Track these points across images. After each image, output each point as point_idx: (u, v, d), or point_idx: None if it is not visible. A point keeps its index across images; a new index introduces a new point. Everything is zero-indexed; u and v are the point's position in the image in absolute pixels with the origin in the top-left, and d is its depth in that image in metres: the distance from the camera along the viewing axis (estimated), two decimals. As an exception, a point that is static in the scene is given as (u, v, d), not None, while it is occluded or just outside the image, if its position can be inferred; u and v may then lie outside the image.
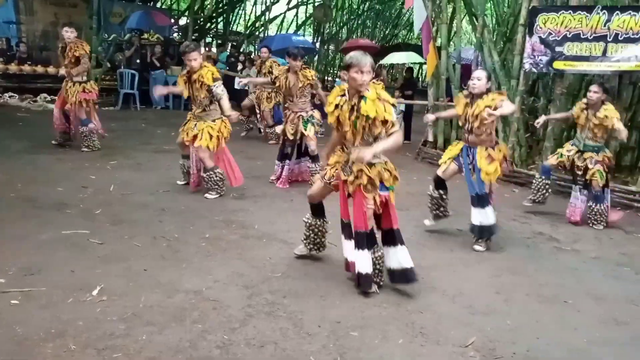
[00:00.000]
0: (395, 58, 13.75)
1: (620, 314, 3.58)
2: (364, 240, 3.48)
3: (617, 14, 6.40)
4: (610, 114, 5.24)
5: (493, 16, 13.06)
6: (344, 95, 3.47)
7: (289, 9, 19.54)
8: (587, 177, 5.43)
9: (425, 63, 9.73)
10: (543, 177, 5.77)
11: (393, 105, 3.43)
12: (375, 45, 16.65)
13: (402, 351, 2.92)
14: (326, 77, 17.69)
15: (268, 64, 8.80)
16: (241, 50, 16.26)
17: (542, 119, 5.98)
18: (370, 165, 3.44)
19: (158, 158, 7.12)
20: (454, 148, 4.83)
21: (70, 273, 3.49)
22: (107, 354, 2.64)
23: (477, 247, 4.58)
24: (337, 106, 3.47)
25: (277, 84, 6.13)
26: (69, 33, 6.80)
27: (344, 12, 20.36)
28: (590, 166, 5.38)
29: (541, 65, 7.06)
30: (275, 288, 3.54)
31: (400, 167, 7.34)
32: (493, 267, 4.24)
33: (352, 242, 3.57)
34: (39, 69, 11.32)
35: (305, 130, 6.05)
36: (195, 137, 5.34)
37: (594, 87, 5.41)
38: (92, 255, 3.82)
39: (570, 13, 6.73)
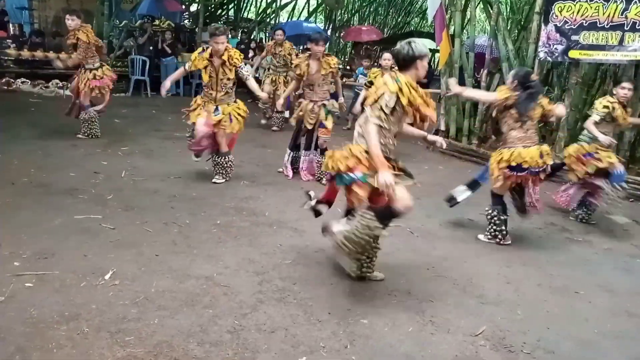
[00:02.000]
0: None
1: (632, 306, 3.56)
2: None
3: (635, 2, 6.28)
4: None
5: (508, 4, 12.88)
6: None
7: (300, -4, 19.41)
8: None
9: (437, 51, 9.64)
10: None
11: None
12: (378, 32, 16.53)
13: (412, 339, 2.92)
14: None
15: (287, 46, 8.70)
16: (252, 37, 16.19)
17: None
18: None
19: (169, 145, 7.14)
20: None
21: (83, 257, 3.53)
22: (119, 337, 2.68)
23: (480, 236, 4.60)
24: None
25: (298, 72, 5.81)
26: (69, 21, 6.66)
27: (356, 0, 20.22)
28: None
29: (556, 54, 6.96)
30: (285, 275, 3.55)
31: (411, 156, 7.38)
32: (504, 258, 4.23)
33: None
34: (51, 54, 11.34)
35: (326, 120, 5.83)
36: (219, 121, 5.32)
37: (627, 84, 5.24)
38: (105, 240, 3.86)
39: (587, 1, 6.62)
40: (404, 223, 4.45)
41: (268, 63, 10.26)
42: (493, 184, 4.49)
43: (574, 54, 6.81)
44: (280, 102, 6.41)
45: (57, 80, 11.00)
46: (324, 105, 5.85)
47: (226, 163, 5.50)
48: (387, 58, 7.11)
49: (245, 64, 5.39)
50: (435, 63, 16.74)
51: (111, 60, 11.79)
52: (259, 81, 8.76)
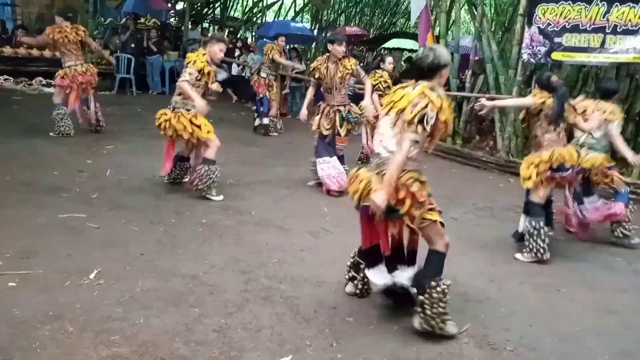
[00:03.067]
0: (401, 43, 13.83)
1: (612, 302, 3.63)
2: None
3: (617, 5, 6.39)
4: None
5: (492, 6, 13.00)
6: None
7: (287, -5, 19.41)
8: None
9: (422, 52, 9.71)
10: None
11: None
12: (364, 33, 16.60)
13: (397, 337, 2.95)
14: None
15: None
16: (238, 36, 16.14)
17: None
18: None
19: (154, 143, 7.06)
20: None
21: (67, 256, 3.50)
22: (104, 336, 2.66)
23: (518, 255, 4.31)
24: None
25: (317, 76, 5.50)
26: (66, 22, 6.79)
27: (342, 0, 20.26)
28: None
29: (539, 56, 7.05)
30: (271, 274, 3.56)
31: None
32: (488, 256, 4.28)
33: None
34: (35, 52, 11.22)
35: (341, 127, 5.48)
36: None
37: None
38: (89, 239, 3.83)
39: (569, 4, 6.71)
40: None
41: (254, 62, 10.25)
42: (533, 193, 4.25)
43: (556, 55, 6.91)
44: (303, 112, 5.68)
45: (40, 78, 10.88)
46: (339, 110, 5.53)
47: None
48: (390, 62, 7.15)
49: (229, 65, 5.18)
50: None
51: (95, 58, 11.68)
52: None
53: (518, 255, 4.28)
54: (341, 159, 5.60)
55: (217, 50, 4.91)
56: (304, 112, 5.66)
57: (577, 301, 3.62)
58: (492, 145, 8.43)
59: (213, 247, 3.92)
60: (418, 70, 2.98)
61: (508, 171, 7.20)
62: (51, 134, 6.83)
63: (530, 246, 4.18)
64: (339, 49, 5.37)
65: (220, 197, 4.98)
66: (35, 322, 2.72)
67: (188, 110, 4.85)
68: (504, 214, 5.46)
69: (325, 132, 5.54)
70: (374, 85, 7.06)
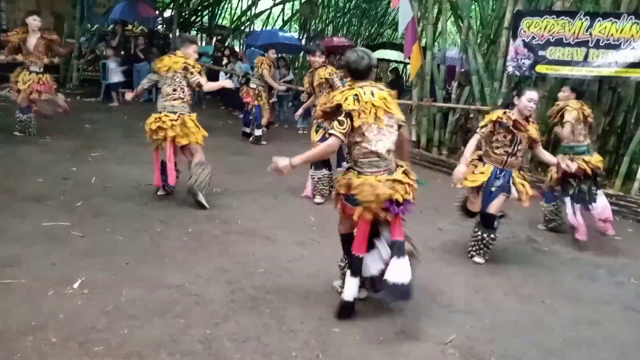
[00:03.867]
0: (387, 54, 13.99)
1: (596, 314, 3.68)
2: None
3: (599, 20, 6.53)
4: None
5: (478, 18, 13.18)
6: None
7: (275, 5, 19.43)
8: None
9: (408, 63, 9.81)
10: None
11: None
12: (351, 43, 16.72)
13: (383, 348, 2.96)
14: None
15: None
16: (226, 44, 16.14)
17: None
18: None
19: (141, 151, 7.03)
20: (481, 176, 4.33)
21: (50, 265, 3.46)
22: (88, 347, 2.64)
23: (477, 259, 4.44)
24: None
25: (306, 86, 5.95)
26: (37, 22, 6.76)
27: (330, 10, 20.37)
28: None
29: (524, 69, 7.16)
30: (258, 284, 3.55)
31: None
32: (473, 267, 4.31)
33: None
34: (19, 57, 11.10)
35: (316, 134, 5.55)
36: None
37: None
38: (73, 247, 3.79)
39: (553, 18, 6.84)
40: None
41: (241, 70, 10.25)
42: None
43: (541, 68, 7.02)
44: (299, 112, 6.57)
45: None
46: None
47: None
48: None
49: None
50: (407, 75, 16.99)
51: (82, 64, 11.63)
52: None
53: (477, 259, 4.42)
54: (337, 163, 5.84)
55: (192, 51, 5.06)
56: (300, 112, 6.48)
57: (561, 313, 3.65)
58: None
59: (199, 256, 3.90)
60: (359, 72, 3.13)
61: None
62: (16, 133, 6.96)
63: (482, 252, 4.39)
64: (313, 58, 5.68)
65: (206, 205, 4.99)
66: (17, 333, 2.69)
67: (190, 113, 5.01)
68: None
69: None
70: None
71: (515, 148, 4.26)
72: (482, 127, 4.35)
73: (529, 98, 4.20)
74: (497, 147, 4.29)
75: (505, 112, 4.26)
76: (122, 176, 5.74)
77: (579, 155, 5.13)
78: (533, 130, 4.29)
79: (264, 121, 8.79)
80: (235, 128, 9.65)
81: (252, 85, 8.65)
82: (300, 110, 6.56)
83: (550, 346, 3.18)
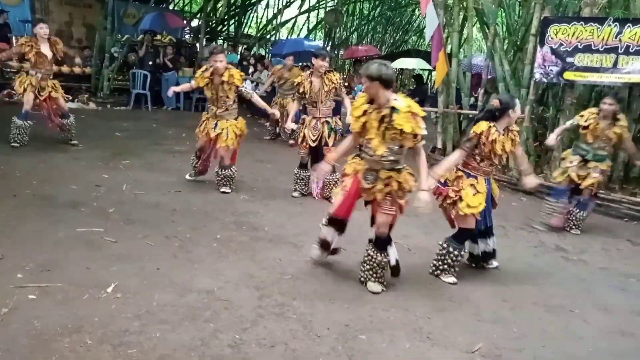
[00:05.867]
0: (405, 63, 13.92)
1: (626, 325, 3.61)
2: (386, 244, 3.73)
3: (629, 26, 6.44)
4: (625, 126, 5.45)
5: (504, 25, 13.08)
6: (372, 102, 3.47)
7: (300, 14, 19.62)
8: (585, 184, 5.48)
9: (433, 70, 9.79)
10: (559, 200, 5.61)
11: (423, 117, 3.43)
12: (376, 51, 16.72)
13: (409, 355, 2.97)
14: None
15: (296, 71, 8.78)
16: (252, 53, 16.35)
17: (553, 137, 5.80)
18: (398, 170, 3.58)
19: (169, 159, 7.21)
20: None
21: (85, 270, 3.57)
22: (122, 350, 2.72)
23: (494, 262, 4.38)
24: (364, 113, 3.49)
25: (301, 90, 5.73)
26: (46, 29, 6.94)
27: (355, 18, 20.45)
28: (594, 175, 5.46)
29: (551, 76, 7.09)
30: (285, 290, 3.60)
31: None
32: (500, 276, 4.28)
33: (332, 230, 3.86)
34: (54, 67, 11.45)
35: (329, 137, 5.74)
36: (217, 136, 5.56)
37: (608, 100, 5.45)
38: (107, 253, 3.90)
39: (582, 24, 6.76)
40: (401, 240, 4.52)
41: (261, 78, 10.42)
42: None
43: (569, 75, 6.94)
44: (288, 124, 6.04)
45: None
46: (327, 122, 5.79)
47: (233, 174, 5.76)
48: None
49: (245, 80, 5.59)
50: (433, 81, 16.92)
51: (112, 73, 11.92)
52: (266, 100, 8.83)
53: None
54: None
55: (213, 62, 5.43)
56: (290, 124, 6.00)
57: (590, 323, 3.61)
58: (504, 164, 8.43)
59: (228, 262, 3.98)
60: (390, 83, 3.40)
61: (520, 190, 7.19)
62: (73, 142, 7.25)
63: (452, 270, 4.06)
64: (320, 63, 5.63)
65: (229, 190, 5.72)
66: (54, 335, 2.79)
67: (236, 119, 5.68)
68: (516, 233, 5.46)
69: (312, 144, 5.77)
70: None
71: (498, 160, 4.01)
72: (467, 140, 3.97)
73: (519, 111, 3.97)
74: (482, 160, 3.97)
75: (490, 127, 3.87)
76: (152, 183, 5.87)
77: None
78: (508, 143, 3.93)
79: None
80: (260, 135, 9.77)
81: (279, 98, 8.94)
82: (289, 123, 5.98)
83: (579, 356, 3.15)
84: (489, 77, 8.92)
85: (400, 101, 3.40)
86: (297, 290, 3.62)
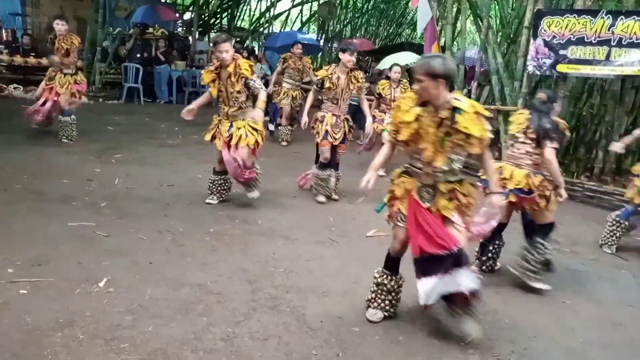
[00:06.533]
0: (402, 58, 13.90)
1: (617, 315, 3.65)
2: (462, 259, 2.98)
3: (622, 18, 6.45)
4: None
5: (497, 17, 13.09)
6: (424, 105, 2.91)
7: (293, 6, 19.56)
8: None
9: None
10: (624, 221, 4.97)
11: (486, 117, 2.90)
12: (370, 44, 16.69)
13: (403, 347, 2.98)
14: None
15: (306, 60, 8.77)
16: (245, 46, 16.28)
17: (621, 146, 5.06)
18: (459, 182, 3.06)
19: (162, 152, 7.18)
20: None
21: (77, 265, 3.55)
22: (114, 344, 2.71)
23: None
24: (417, 118, 2.91)
25: (327, 85, 5.33)
26: (59, 25, 6.87)
27: (348, 10, 20.41)
28: None
29: (545, 68, 7.10)
30: (278, 283, 3.60)
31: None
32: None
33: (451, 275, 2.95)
34: (44, 61, 11.35)
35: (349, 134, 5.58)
36: (231, 138, 4.83)
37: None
38: (99, 247, 3.88)
39: (575, 17, 6.77)
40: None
41: (262, 71, 10.29)
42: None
43: (562, 68, 6.95)
44: (304, 119, 5.61)
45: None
46: (347, 119, 5.59)
47: (256, 175, 5.16)
48: (397, 71, 7.26)
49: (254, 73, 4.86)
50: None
51: (104, 68, 11.84)
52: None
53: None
54: (337, 165, 5.75)
55: (218, 53, 4.77)
56: (304, 118, 5.60)
57: (582, 314, 3.64)
58: (497, 157, 8.45)
59: (220, 256, 3.97)
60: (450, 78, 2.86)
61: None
62: (63, 140, 7.09)
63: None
64: (351, 58, 5.28)
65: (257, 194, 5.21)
66: (46, 329, 2.77)
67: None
68: (508, 225, 5.47)
69: (335, 142, 5.51)
70: (379, 95, 7.21)
71: None
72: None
73: None
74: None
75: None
76: (145, 177, 5.84)
77: None
78: None
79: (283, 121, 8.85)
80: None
81: (287, 86, 8.75)
82: (304, 117, 5.59)
83: (571, 347, 3.17)
84: (482, 69, 8.93)
85: (463, 100, 2.86)
86: (290, 283, 3.62)
